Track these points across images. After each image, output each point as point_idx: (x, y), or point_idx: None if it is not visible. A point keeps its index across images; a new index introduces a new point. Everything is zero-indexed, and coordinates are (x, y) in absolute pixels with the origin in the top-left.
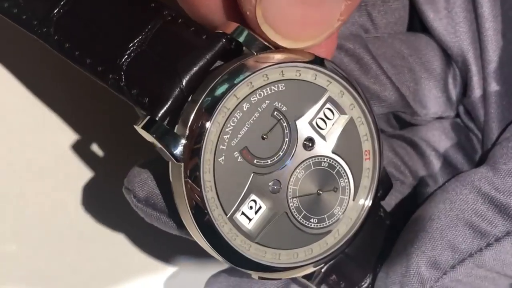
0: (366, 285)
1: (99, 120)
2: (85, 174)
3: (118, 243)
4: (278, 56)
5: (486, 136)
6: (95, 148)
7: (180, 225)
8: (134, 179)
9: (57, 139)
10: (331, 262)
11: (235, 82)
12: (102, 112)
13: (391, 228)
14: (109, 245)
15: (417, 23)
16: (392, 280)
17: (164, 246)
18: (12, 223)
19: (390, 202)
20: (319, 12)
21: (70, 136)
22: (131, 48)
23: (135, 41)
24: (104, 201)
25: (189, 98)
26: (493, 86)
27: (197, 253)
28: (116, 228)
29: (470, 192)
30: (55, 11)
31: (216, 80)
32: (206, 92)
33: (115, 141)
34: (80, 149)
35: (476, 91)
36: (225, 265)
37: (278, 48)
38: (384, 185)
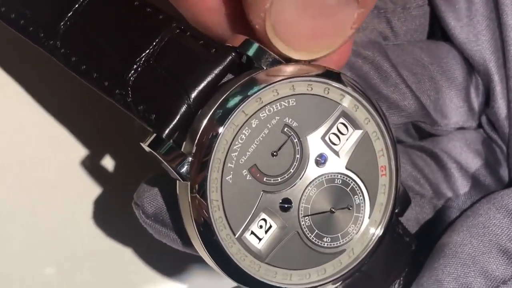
0: None
1: (108, 135)
2: (96, 190)
3: (129, 260)
4: (289, 70)
5: (511, 149)
6: (105, 163)
7: (189, 243)
8: (143, 194)
9: (67, 155)
10: (347, 281)
11: (247, 94)
12: (111, 127)
13: (411, 245)
14: (120, 262)
15: (438, 30)
16: None
17: (174, 263)
18: (23, 240)
19: (409, 217)
20: (330, 23)
21: (80, 152)
22: (138, 63)
23: (143, 55)
24: (114, 217)
25: (198, 113)
26: None
27: (208, 270)
28: (126, 244)
29: (504, 217)
30: (62, 23)
31: (227, 93)
32: (217, 105)
33: (125, 155)
34: (90, 165)
35: (500, 101)
36: None
37: (289, 61)
38: (402, 201)
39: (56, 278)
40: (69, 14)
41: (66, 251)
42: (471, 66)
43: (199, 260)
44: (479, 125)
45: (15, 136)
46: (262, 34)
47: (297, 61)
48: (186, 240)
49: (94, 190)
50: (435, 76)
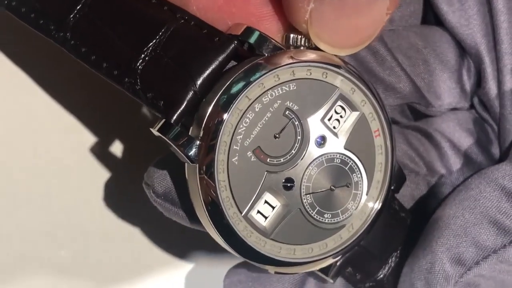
0: (382, 276)
1: (118, 120)
2: (106, 174)
3: (139, 240)
4: (289, 56)
5: (502, 127)
6: (115, 147)
7: (197, 220)
8: (153, 174)
9: (79, 139)
10: (347, 254)
11: (249, 80)
12: (121, 112)
13: (407, 220)
14: (131, 242)
15: (431, 16)
16: (417, 276)
17: (182, 242)
18: (37, 222)
19: (404, 194)
20: (368, 18)
21: (91, 137)
22: (146, 52)
23: (150, 45)
24: (125, 199)
25: (203, 100)
26: (509, 78)
27: (215, 248)
28: (136, 226)
29: (494, 190)
30: (71, 15)
31: (231, 80)
32: (222, 91)
33: (133, 140)
34: (101, 148)
35: (490, 82)
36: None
37: (288, 48)
38: (397, 178)
39: (71, 258)
40: (78, 7)
41: (79, 233)
42: (463, 50)
43: (206, 239)
44: (471, 106)
45: (29, 123)
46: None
47: (296, 47)
48: (194, 218)
49: (104, 174)
50: (428, 60)
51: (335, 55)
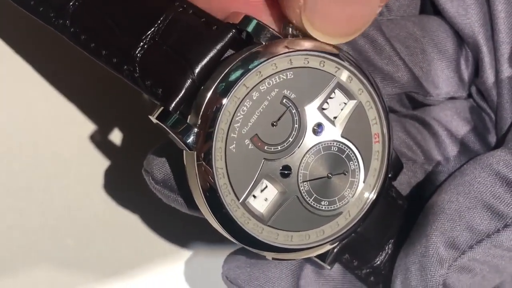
0: (379, 262)
1: (117, 109)
2: (105, 163)
3: (139, 229)
4: (286, 45)
5: (499, 116)
6: (114, 135)
7: (195, 207)
8: (152, 161)
9: (78, 129)
10: (344, 241)
11: (247, 68)
12: (120, 100)
13: (404, 208)
14: (130, 231)
15: (429, 5)
16: (412, 260)
17: (181, 231)
18: (39, 217)
19: (402, 181)
20: (361, 7)
21: (90, 124)
22: (145, 40)
23: (148, 33)
24: (125, 188)
25: (202, 87)
26: (506, 67)
27: (214, 236)
28: (136, 214)
29: (488, 175)
30: (71, 3)
31: (229, 68)
32: (219, 79)
33: (132, 129)
34: (101, 137)
35: (488, 72)
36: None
37: (286, 36)
38: (394, 166)
39: (74, 251)
40: None
41: (80, 223)
42: (461, 39)
43: (204, 227)
44: (469, 95)
45: (27, 115)
46: (300, 27)
47: (294, 36)
48: (192, 204)
49: (104, 162)
50: (427, 49)
51: (332, 44)
